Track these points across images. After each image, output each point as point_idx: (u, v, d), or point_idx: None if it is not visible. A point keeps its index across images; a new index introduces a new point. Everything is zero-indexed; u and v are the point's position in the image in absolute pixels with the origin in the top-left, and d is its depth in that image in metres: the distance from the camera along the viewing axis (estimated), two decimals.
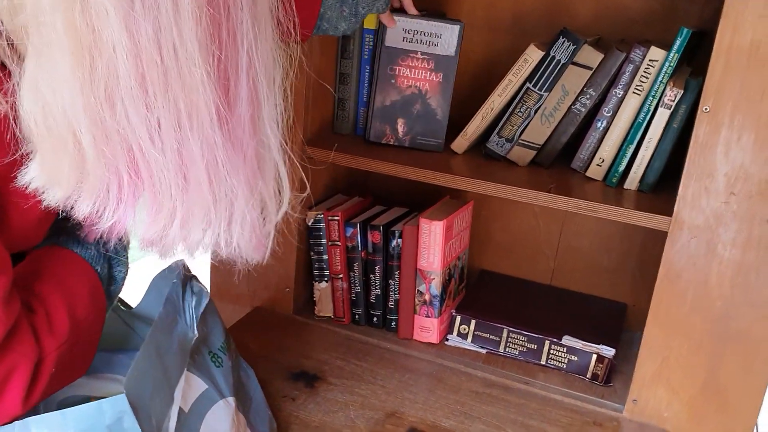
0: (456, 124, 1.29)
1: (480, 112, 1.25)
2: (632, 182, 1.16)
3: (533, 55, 1.20)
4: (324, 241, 1.34)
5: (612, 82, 1.18)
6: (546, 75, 1.19)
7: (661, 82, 1.11)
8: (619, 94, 1.16)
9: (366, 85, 1.32)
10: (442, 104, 1.27)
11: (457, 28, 1.23)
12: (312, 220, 1.34)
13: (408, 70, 1.25)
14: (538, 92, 1.20)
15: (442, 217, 1.27)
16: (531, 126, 1.23)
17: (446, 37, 1.23)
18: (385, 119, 1.28)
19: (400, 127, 1.28)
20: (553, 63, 1.19)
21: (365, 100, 1.33)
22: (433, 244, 1.27)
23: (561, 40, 1.17)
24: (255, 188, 0.65)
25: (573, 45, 1.17)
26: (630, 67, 1.15)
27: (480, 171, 1.21)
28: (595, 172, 1.20)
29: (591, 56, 1.17)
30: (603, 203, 1.09)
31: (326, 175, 1.39)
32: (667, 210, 1.06)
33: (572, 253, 1.46)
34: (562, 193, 1.12)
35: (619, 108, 1.16)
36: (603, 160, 1.19)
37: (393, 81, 1.26)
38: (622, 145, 1.16)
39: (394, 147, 1.29)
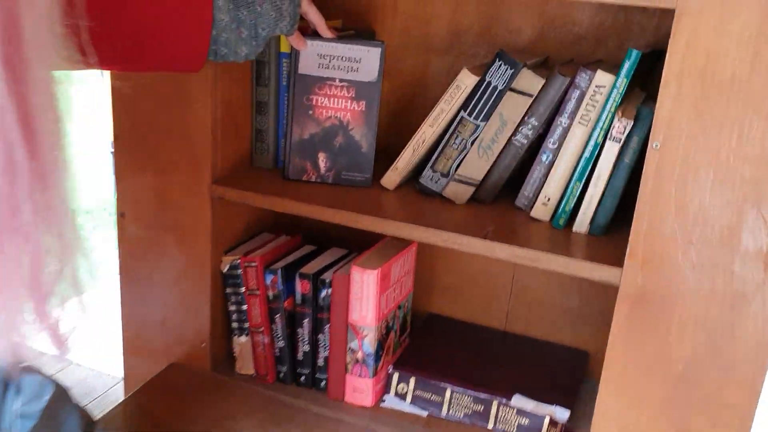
0: (388, 156, 1.16)
1: (411, 144, 1.13)
2: (582, 224, 1.03)
3: (467, 80, 1.07)
4: (242, 289, 1.21)
5: (556, 111, 1.05)
6: (482, 103, 1.07)
7: (609, 111, 0.98)
8: (565, 123, 1.04)
9: (283, 114, 1.19)
10: (366, 135, 1.14)
11: (377, 51, 1.10)
12: (227, 267, 1.20)
13: (326, 99, 1.12)
14: (474, 122, 1.08)
15: (377, 265, 1.14)
16: (468, 159, 1.10)
17: (367, 61, 1.11)
18: (304, 154, 1.15)
19: (322, 162, 1.15)
20: (489, 89, 1.06)
21: (284, 130, 1.20)
22: (366, 296, 1.13)
23: (497, 63, 1.05)
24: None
25: (510, 69, 1.04)
26: (575, 93, 1.02)
27: (411, 211, 1.08)
28: (541, 211, 1.07)
29: (531, 82, 1.05)
30: (546, 251, 0.96)
31: (247, 212, 1.26)
32: (620, 258, 0.93)
33: (528, 293, 1.34)
34: (501, 238, 0.99)
35: (564, 139, 1.04)
36: (549, 199, 1.06)
37: (310, 112, 1.13)
38: (569, 181, 1.04)
39: (317, 184, 1.16)
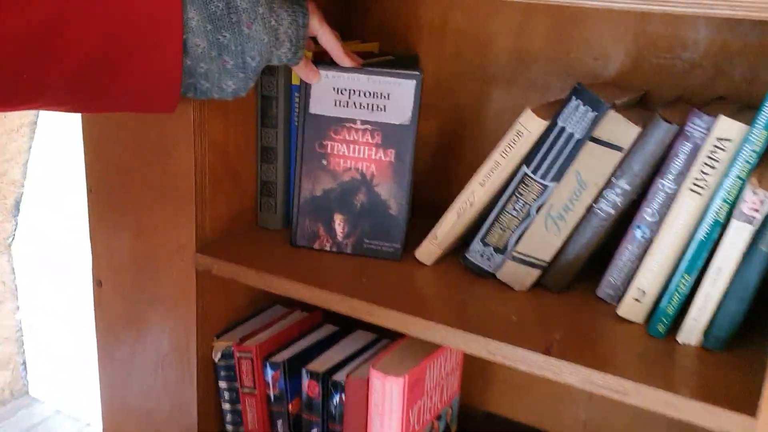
0: (428, 218, 0.89)
1: (455, 207, 0.86)
2: (691, 334, 0.73)
3: (531, 125, 0.79)
4: (236, 385, 0.96)
5: (657, 170, 0.76)
6: (552, 156, 0.79)
7: (737, 177, 0.68)
8: (669, 189, 0.74)
9: (293, 160, 0.95)
10: (396, 194, 0.88)
11: (411, 84, 0.84)
12: (219, 354, 0.96)
13: (344, 146, 0.87)
14: (541, 182, 0.80)
15: (404, 368, 0.87)
16: (532, 232, 0.82)
17: (397, 98, 0.85)
18: (316, 215, 0.90)
19: (339, 226, 0.90)
20: (563, 138, 0.78)
21: None
22: (389, 410, 0.87)
23: (574, 102, 0.77)
24: None
25: (593, 110, 0.76)
26: (686, 148, 0.73)
27: (449, 300, 0.81)
28: (632, 310, 0.77)
29: (622, 129, 0.76)
30: (636, 380, 0.67)
31: None
32: (750, 398, 0.63)
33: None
34: (572, 354, 0.71)
35: (668, 211, 0.74)
36: (644, 293, 0.76)
37: (324, 162, 0.88)
38: (673, 271, 0.74)
39: (332, 254, 0.90)
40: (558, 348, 0.71)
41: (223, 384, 0.98)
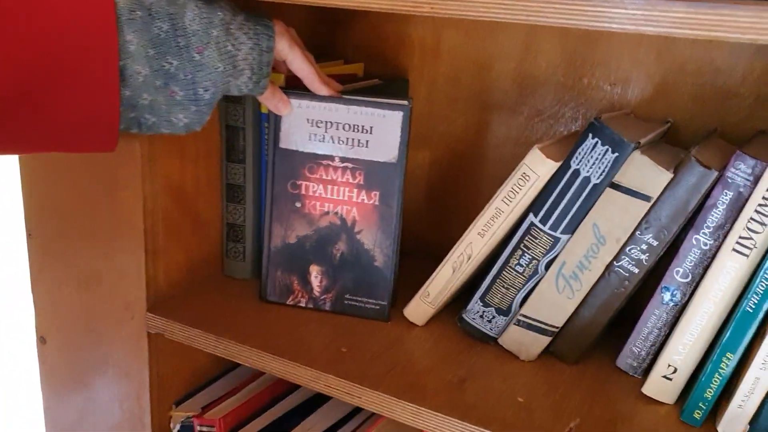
0: (422, 270, 0.77)
1: (450, 261, 0.74)
2: (735, 424, 0.61)
3: (539, 167, 0.67)
4: None
5: (690, 222, 0.64)
6: (564, 204, 0.67)
7: None
8: (705, 245, 0.62)
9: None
10: (382, 242, 0.76)
11: (399, 115, 0.72)
12: (178, 427, 0.84)
13: (321, 186, 0.76)
14: (550, 234, 0.68)
15: None
16: (540, 293, 0.70)
17: (382, 131, 0.73)
18: (290, 266, 0.78)
19: (315, 279, 0.78)
20: (577, 183, 0.66)
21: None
22: None
23: (590, 141, 0.65)
24: None
25: (613, 152, 0.64)
26: (726, 198, 0.61)
27: (445, 377, 0.68)
28: (661, 389, 0.65)
29: (649, 174, 0.64)
30: None
31: None
32: None
33: None
34: None
35: (705, 273, 0.62)
36: (676, 371, 0.64)
37: (298, 204, 0.76)
38: (712, 348, 0.62)
39: (308, 311, 0.78)
40: None
41: None
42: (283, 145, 0.75)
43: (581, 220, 0.67)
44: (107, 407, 0.86)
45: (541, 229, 0.68)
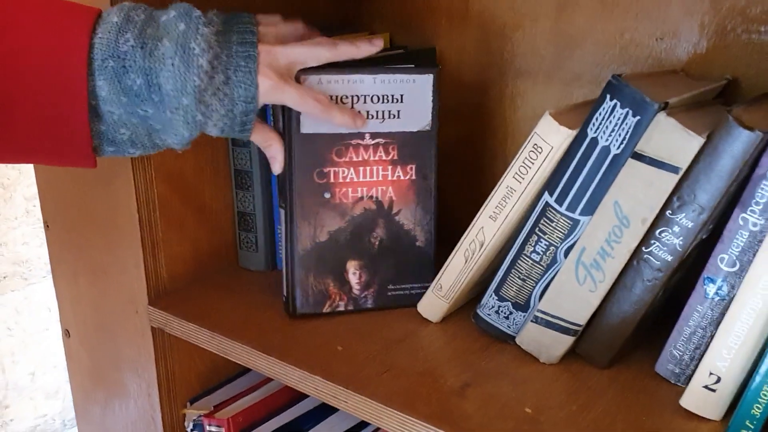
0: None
1: (461, 249, 0.65)
2: None
3: (553, 136, 0.58)
4: None
5: (735, 199, 0.52)
6: (581, 180, 0.57)
7: None
8: (755, 225, 0.51)
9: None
10: (422, 219, 0.70)
11: (428, 79, 0.67)
12: (191, 425, 0.80)
13: (352, 170, 0.68)
14: (568, 215, 0.58)
15: None
16: (559, 284, 0.60)
17: (413, 99, 0.67)
18: (323, 269, 0.70)
19: (353, 276, 0.71)
20: (595, 154, 0.56)
21: None
22: None
23: (608, 103, 0.55)
24: None
25: (634, 115, 0.53)
26: None
27: (447, 382, 0.60)
28: (703, 401, 0.54)
29: (677, 141, 0.53)
30: None
31: None
32: None
33: None
34: None
35: (754, 260, 0.51)
36: (719, 380, 0.53)
37: (327, 195, 0.68)
38: (763, 350, 0.50)
39: (348, 314, 0.72)
40: None
41: None
42: (305, 130, 0.66)
43: (601, 199, 0.56)
44: (123, 405, 0.84)
45: (557, 211, 0.59)
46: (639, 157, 0.54)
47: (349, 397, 0.59)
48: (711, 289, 0.54)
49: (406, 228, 0.70)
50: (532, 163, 0.59)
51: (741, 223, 0.52)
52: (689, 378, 0.57)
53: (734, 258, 0.53)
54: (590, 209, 0.57)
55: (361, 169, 0.68)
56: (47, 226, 0.84)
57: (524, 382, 0.60)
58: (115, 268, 0.77)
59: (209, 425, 0.78)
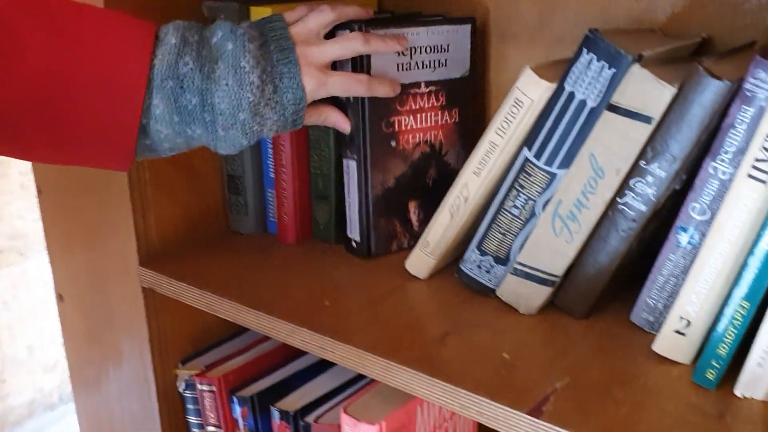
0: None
1: (446, 205, 0.67)
2: (755, 384, 0.51)
3: (533, 90, 0.60)
4: (200, 420, 0.82)
5: (705, 149, 0.54)
6: (559, 134, 0.59)
7: None
8: (725, 174, 0.53)
9: (269, 147, 0.79)
10: (462, 158, 0.75)
11: (467, 29, 0.75)
12: (183, 385, 0.82)
13: (411, 118, 0.74)
14: (546, 170, 0.60)
15: (382, 413, 0.69)
16: (537, 237, 0.62)
17: (456, 47, 0.75)
18: (390, 211, 0.75)
19: (414, 215, 0.77)
20: (572, 108, 0.58)
21: (272, 176, 0.80)
22: None
23: (585, 57, 0.56)
24: None
25: (610, 67, 0.55)
26: (746, 114, 0.51)
27: (429, 331, 0.62)
28: (673, 345, 0.56)
29: (649, 91, 0.54)
30: None
31: None
32: None
33: None
34: (573, 413, 0.51)
35: (720, 207, 0.53)
36: (689, 324, 0.55)
37: (393, 144, 0.73)
38: (729, 293, 0.52)
39: (343, 270, 0.75)
40: (556, 404, 0.52)
41: (192, 419, 0.84)
42: None
43: (578, 152, 0.58)
44: (117, 366, 0.86)
45: (535, 165, 0.60)
46: (614, 108, 0.56)
47: (335, 346, 0.61)
48: (683, 238, 0.56)
49: (453, 167, 0.77)
50: (514, 118, 0.61)
51: (711, 171, 0.54)
52: (657, 326, 0.59)
53: (705, 206, 0.55)
54: (567, 163, 0.59)
55: (419, 116, 0.74)
56: (40, 191, 0.86)
57: (503, 331, 0.62)
58: (106, 231, 0.78)
59: (201, 384, 0.80)
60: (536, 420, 0.50)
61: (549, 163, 0.60)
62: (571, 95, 0.58)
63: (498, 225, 0.64)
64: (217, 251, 0.79)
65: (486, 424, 0.53)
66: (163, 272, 0.75)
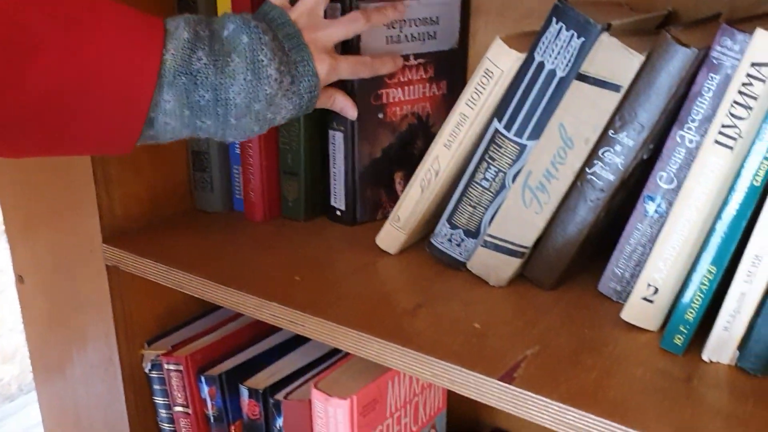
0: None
1: (417, 178, 0.67)
2: (721, 349, 0.53)
3: (503, 60, 0.60)
4: (167, 401, 0.81)
5: (673, 117, 0.55)
6: (529, 105, 0.59)
7: None
8: (692, 142, 0.54)
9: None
10: None
11: (458, 0, 0.76)
12: (149, 365, 0.81)
13: (399, 90, 0.75)
14: (516, 141, 0.60)
15: (353, 388, 0.69)
16: (506, 209, 0.62)
17: (446, 20, 0.76)
18: (377, 181, 0.77)
19: (399, 185, 0.79)
20: (542, 78, 0.58)
21: (238, 152, 0.79)
22: None
23: (554, 26, 0.57)
24: None
25: (579, 37, 0.55)
26: (713, 82, 0.52)
27: (400, 303, 0.62)
28: (641, 313, 0.57)
29: (618, 60, 0.55)
30: (633, 427, 0.47)
31: None
32: None
33: None
34: (543, 380, 0.52)
35: (687, 175, 0.53)
36: (657, 291, 0.56)
37: (380, 115, 0.74)
38: (696, 261, 0.53)
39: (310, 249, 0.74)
40: (527, 371, 0.52)
41: (159, 400, 0.83)
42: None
43: (547, 122, 0.59)
44: (82, 348, 0.84)
45: (505, 137, 0.61)
46: (583, 78, 0.56)
47: (306, 320, 0.61)
48: (651, 206, 0.57)
49: None
50: (484, 89, 0.61)
51: (678, 140, 0.55)
52: (625, 296, 0.60)
53: (672, 175, 0.55)
54: (537, 134, 0.59)
55: (407, 88, 0.75)
56: None
57: (474, 303, 0.62)
58: (69, 208, 0.77)
59: (167, 364, 0.79)
60: (508, 386, 0.51)
61: (519, 134, 0.60)
62: (541, 65, 0.58)
63: (468, 198, 0.64)
64: (183, 229, 0.78)
65: (458, 392, 0.53)
66: (127, 250, 0.73)
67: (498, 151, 0.61)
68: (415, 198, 0.68)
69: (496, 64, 0.60)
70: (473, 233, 0.65)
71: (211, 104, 0.56)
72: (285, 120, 0.62)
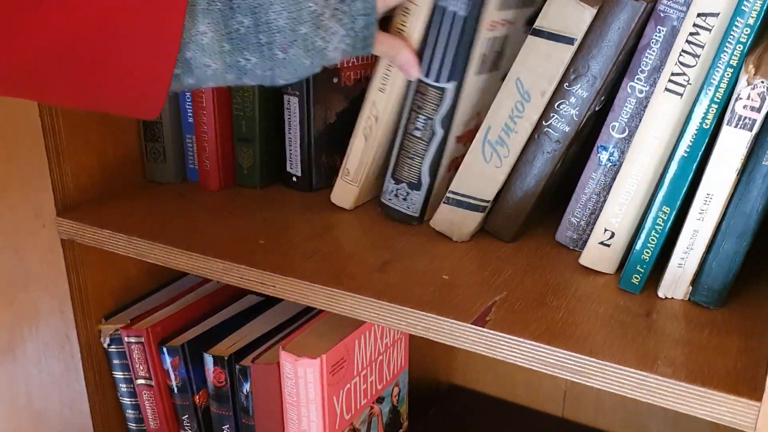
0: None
1: (359, 127, 0.69)
2: (675, 285, 0.56)
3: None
4: (129, 375, 0.81)
5: (624, 68, 0.58)
6: (441, 49, 0.62)
7: (728, 63, 0.51)
8: (641, 92, 0.57)
9: (187, 95, 0.77)
10: None
11: None
12: (107, 340, 0.81)
13: None
14: (435, 86, 0.63)
15: (321, 348, 0.71)
16: (467, 165, 0.65)
17: None
18: (332, 147, 0.77)
19: None
20: (447, 21, 0.61)
21: (191, 120, 0.78)
22: (305, 399, 0.71)
23: None
24: None
25: None
26: (660, 35, 0.55)
27: (367, 260, 0.64)
28: (599, 257, 0.61)
29: (569, 12, 0.58)
30: (599, 358, 0.50)
31: None
32: (753, 374, 0.47)
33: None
34: (514, 322, 0.54)
35: (639, 123, 0.57)
36: (613, 235, 0.59)
37: (335, 81, 0.74)
38: (650, 203, 0.57)
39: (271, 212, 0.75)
40: (497, 315, 0.55)
41: (118, 375, 0.82)
42: None
43: (464, 66, 0.61)
44: (34, 326, 0.83)
45: (426, 83, 0.63)
46: (538, 32, 0.59)
47: (276, 281, 0.62)
48: (604, 156, 0.60)
49: None
50: (405, 26, 0.62)
51: (629, 91, 0.58)
52: (585, 243, 0.63)
53: (624, 125, 0.59)
54: (455, 76, 0.61)
55: None
56: None
57: (439, 257, 0.64)
58: (18, 181, 0.75)
59: (128, 337, 0.79)
60: (481, 329, 0.53)
61: (437, 79, 0.62)
62: (442, 9, 0.59)
63: (405, 150, 0.66)
64: (138, 200, 0.78)
65: (434, 339, 0.56)
66: (84, 221, 0.72)
67: (423, 98, 0.63)
68: (360, 147, 0.69)
69: (414, 2, 0.61)
70: (416, 185, 0.67)
71: (251, 32, 0.50)
72: (340, 53, 0.55)
